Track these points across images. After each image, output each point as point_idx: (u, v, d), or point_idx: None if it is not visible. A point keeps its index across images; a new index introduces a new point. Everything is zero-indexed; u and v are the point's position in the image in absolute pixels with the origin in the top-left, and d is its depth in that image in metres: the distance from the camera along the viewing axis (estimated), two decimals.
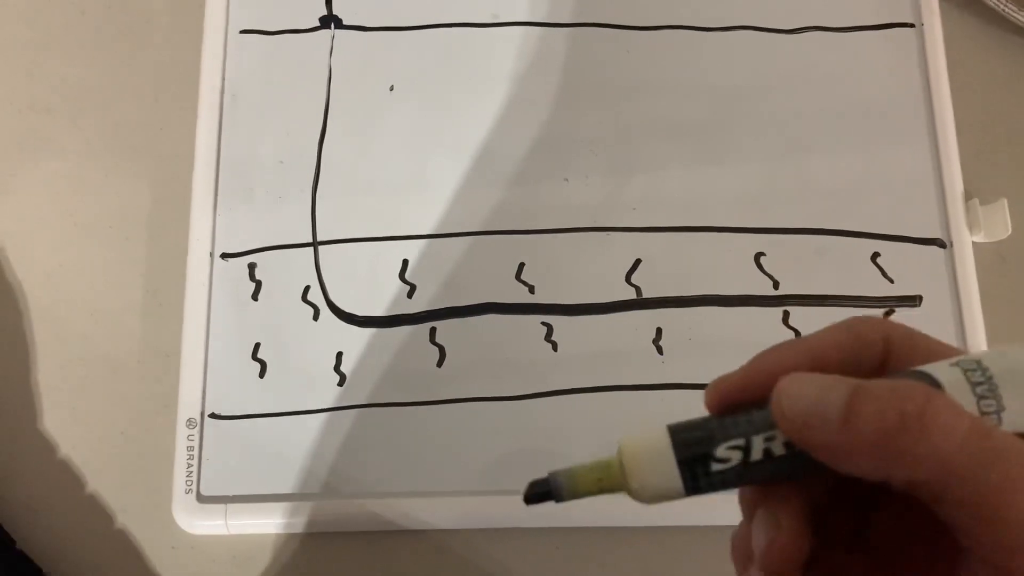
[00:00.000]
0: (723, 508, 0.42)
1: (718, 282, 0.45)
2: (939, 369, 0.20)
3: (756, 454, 0.20)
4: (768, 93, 0.47)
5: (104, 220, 0.47)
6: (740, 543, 0.23)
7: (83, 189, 0.47)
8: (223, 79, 0.47)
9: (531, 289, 0.45)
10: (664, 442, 0.21)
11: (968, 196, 0.46)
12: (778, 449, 0.20)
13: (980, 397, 0.19)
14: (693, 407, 0.43)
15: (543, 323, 0.44)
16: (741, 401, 0.21)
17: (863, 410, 0.18)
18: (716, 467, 0.20)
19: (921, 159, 0.47)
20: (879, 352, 0.21)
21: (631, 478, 0.21)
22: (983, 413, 0.19)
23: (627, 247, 0.45)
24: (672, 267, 0.45)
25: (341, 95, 0.47)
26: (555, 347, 0.44)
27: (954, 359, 0.20)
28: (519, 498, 0.42)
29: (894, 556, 0.22)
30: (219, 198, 0.46)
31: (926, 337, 0.22)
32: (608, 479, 0.21)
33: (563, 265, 0.45)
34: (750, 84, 0.48)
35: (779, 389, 0.20)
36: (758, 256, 0.45)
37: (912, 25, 0.48)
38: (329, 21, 0.48)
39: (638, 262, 0.45)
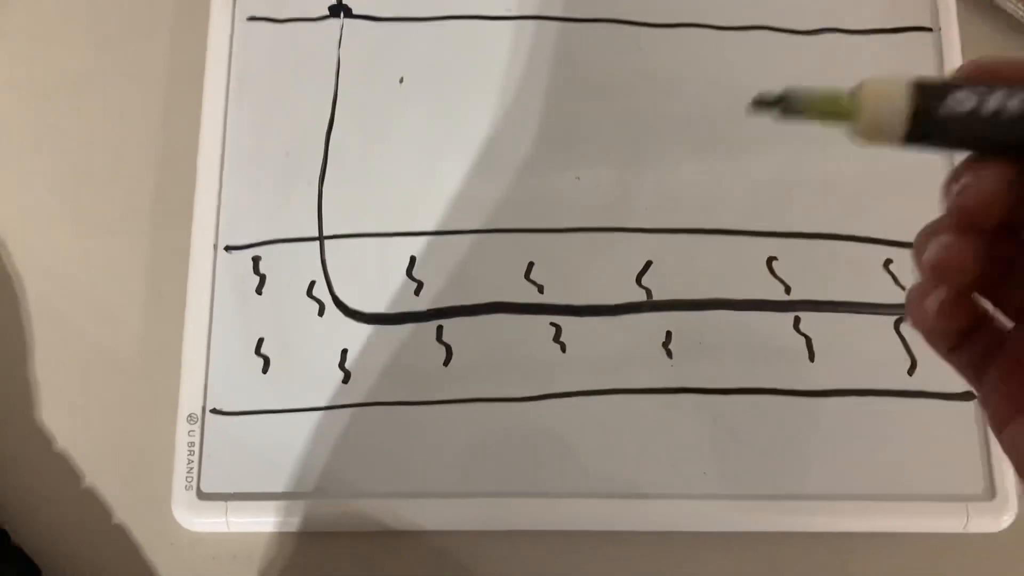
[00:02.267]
0: (723, 515, 0.43)
1: (729, 286, 0.44)
2: None
3: (992, 103, 0.20)
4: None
5: (105, 211, 0.46)
6: (916, 296, 0.23)
7: (84, 179, 0.46)
8: (229, 67, 0.46)
9: (540, 289, 0.44)
10: (904, 80, 0.21)
11: None
12: (1016, 106, 0.20)
13: None
14: (703, 411, 0.42)
15: (552, 323, 0.44)
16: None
17: None
18: (945, 109, 0.20)
19: (934, 165, 0.46)
20: None
21: (863, 103, 0.21)
22: None
23: (638, 248, 0.45)
24: (683, 269, 0.44)
25: (350, 86, 0.46)
26: (563, 348, 0.43)
27: None
28: (526, 500, 0.42)
29: None
30: (224, 189, 0.45)
31: None
32: (836, 103, 0.22)
33: (573, 265, 0.44)
34: (765, 84, 0.47)
35: None
36: (770, 260, 0.45)
37: (930, 29, 0.48)
38: (339, 10, 0.47)
39: (649, 264, 0.44)
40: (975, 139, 0.21)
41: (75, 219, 0.46)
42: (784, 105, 0.23)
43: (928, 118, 0.20)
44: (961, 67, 0.22)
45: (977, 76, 0.21)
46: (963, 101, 0.20)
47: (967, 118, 0.20)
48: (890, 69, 0.47)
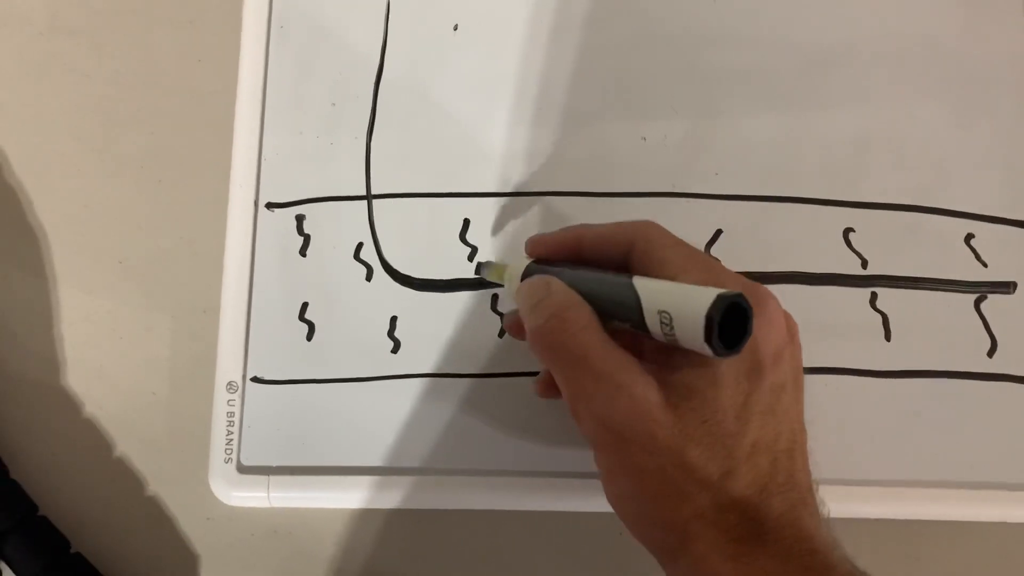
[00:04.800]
0: None
1: (803, 258, 0.42)
2: (650, 296, 0.28)
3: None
4: (864, 52, 0.44)
5: (135, 159, 0.43)
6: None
7: (111, 124, 0.43)
8: (270, 7, 0.43)
9: None
10: (520, 267, 0.35)
11: None
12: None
13: (663, 323, 0.27)
14: None
15: None
16: (546, 256, 0.35)
17: (530, 315, 0.31)
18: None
19: (1022, 138, 0.44)
20: (625, 248, 0.32)
21: (505, 283, 0.36)
22: (663, 332, 0.28)
23: (708, 215, 0.42)
24: (755, 239, 0.42)
25: (400, 33, 0.43)
26: None
27: (664, 300, 0.28)
28: (582, 481, 0.39)
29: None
30: (264, 141, 0.42)
31: (663, 248, 0.31)
32: (499, 277, 0.37)
33: None
34: (845, 40, 0.44)
35: (520, 286, 0.33)
36: (847, 232, 0.42)
37: None
38: None
39: (719, 233, 0.42)
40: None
41: (100, 168, 0.43)
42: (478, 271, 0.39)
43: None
44: (527, 247, 0.36)
45: (534, 254, 0.36)
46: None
47: None
48: (980, 26, 0.44)
